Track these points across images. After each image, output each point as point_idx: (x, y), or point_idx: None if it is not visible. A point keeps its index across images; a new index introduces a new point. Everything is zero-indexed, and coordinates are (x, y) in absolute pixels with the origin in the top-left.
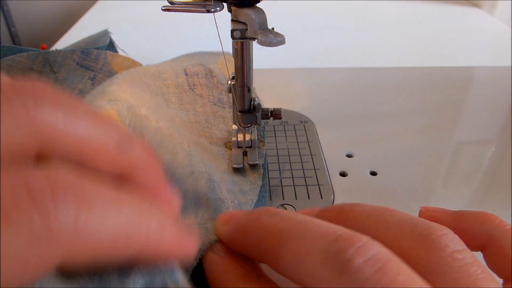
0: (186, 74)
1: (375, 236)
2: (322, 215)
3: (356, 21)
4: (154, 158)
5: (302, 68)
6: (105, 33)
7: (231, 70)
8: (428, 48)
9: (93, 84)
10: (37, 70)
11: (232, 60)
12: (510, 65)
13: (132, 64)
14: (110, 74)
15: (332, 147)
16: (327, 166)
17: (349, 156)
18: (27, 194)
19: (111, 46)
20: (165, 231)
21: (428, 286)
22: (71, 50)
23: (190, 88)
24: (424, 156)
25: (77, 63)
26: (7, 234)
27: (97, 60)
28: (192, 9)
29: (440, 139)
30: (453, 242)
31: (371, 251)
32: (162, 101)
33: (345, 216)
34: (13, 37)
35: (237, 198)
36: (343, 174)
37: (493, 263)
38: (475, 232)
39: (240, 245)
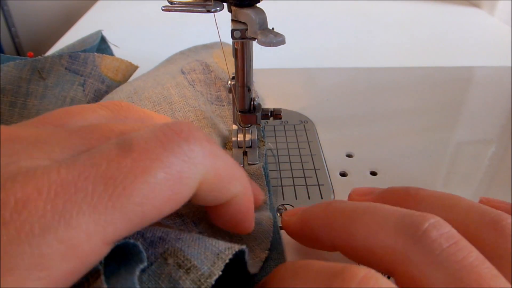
0: (183, 73)
1: (447, 220)
2: (386, 196)
3: (356, 21)
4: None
5: (302, 68)
6: (97, 33)
7: (228, 59)
8: (428, 48)
9: (83, 90)
10: (25, 78)
11: (229, 50)
12: (510, 65)
13: (120, 63)
14: (100, 78)
15: (332, 147)
16: (327, 166)
17: (349, 156)
18: (171, 131)
19: (103, 42)
20: (250, 184)
21: (495, 269)
22: (59, 55)
23: (190, 84)
24: (424, 156)
25: (65, 68)
26: (165, 156)
27: (86, 63)
28: (192, 9)
29: (440, 139)
30: None
31: (446, 227)
32: (166, 105)
33: (411, 198)
34: (13, 37)
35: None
36: (343, 174)
37: None
38: None
39: (309, 230)
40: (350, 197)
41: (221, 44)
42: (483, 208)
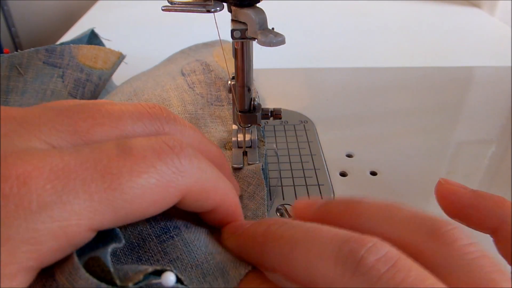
0: (183, 74)
1: (383, 233)
2: (327, 209)
3: (356, 21)
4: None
5: (302, 68)
6: (88, 31)
7: (228, 57)
8: (428, 48)
9: (63, 81)
10: (4, 75)
11: (230, 48)
12: (510, 65)
13: (98, 51)
14: (78, 67)
15: (332, 147)
16: (327, 166)
17: (349, 156)
18: (166, 146)
19: (95, 37)
20: (234, 194)
21: (439, 282)
22: (35, 50)
23: (190, 87)
24: (424, 156)
25: (43, 62)
26: (159, 165)
27: (63, 55)
28: (192, 9)
29: (440, 139)
30: (462, 236)
31: (382, 250)
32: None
33: (351, 212)
34: (13, 37)
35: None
36: (343, 174)
37: (503, 249)
38: (489, 213)
39: (250, 254)
40: (293, 208)
41: (221, 43)
42: (422, 217)
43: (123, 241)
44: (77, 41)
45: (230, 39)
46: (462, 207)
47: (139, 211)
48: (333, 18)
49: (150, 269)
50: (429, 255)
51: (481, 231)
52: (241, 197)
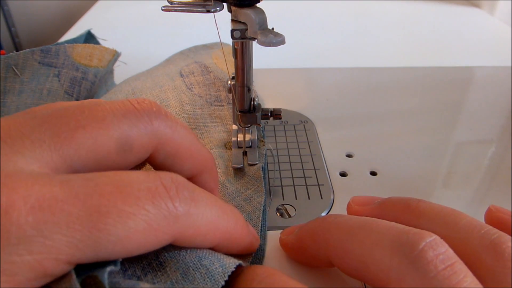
0: (182, 76)
1: (443, 236)
2: (385, 207)
3: (356, 21)
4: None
5: (302, 68)
6: (86, 32)
7: (228, 59)
8: (428, 48)
9: (59, 80)
10: (2, 76)
11: (229, 50)
12: (510, 65)
13: (93, 49)
14: (74, 66)
15: (332, 147)
16: (327, 166)
17: (349, 156)
18: (162, 187)
19: (92, 38)
20: (239, 226)
21: None
22: (31, 50)
23: (188, 88)
24: (424, 156)
25: (39, 62)
26: (151, 209)
27: (58, 55)
28: (192, 9)
29: (440, 139)
30: None
31: (442, 248)
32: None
33: (411, 211)
34: (13, 37)
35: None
36: (343, 174)
37: None
38: None
39: (306, 248)
40: (349, 206)
41: (221, 44)
42: (485, 228)
43: (119, 266)
44: (72, 41)
45: (230, 40)
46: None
47: (122, 252)
48: (333, 18)
49: None
50: (486, 266)
51: None
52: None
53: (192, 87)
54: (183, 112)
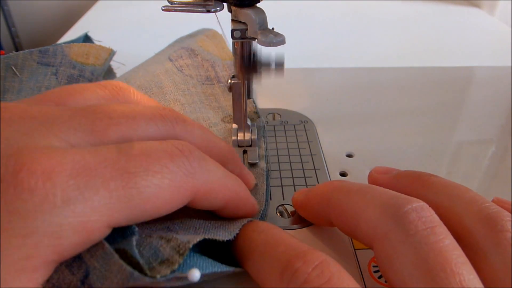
0: (171, 60)
1: (446, 207)
2: (400, 177)
3: (356, 21)
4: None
5: (302, 68)
6: (82, 34)
7: (215, 41)
8: (428, 48)
9: (57, 78)
10: (1, 76)
11: (213, 34)
12: (510, 65)
13: (90, 48)
14: (71, 64)
15: (332, 147)
16: (327, 166)
17: (349, 156)
18: (177, 150)
19: (88, 40)
20: (243, 188)
21: (465, 257)
22: (29, 51)
23: (178, 70)
24: (424, 156)
25: (37, 63)
26: (172, 166)
27: (55, 55)
28: (192, 9)
29: (440, 139)
30: None
31: (427, 212)
32: (157, 90)
33: (422, 183)
34: (13, 37)
35: None
36: (343, 174)
37: None
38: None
39: (312, 206)
40: (370, 174)
41: (223, 33)
42: (486, 203)
43: (137, 234)
44: (69, 42)
45: (231, 39)
46: None
47: (153, 210)
48: (333, 18)
49: (176, 265)
50: (478, 237)
51: None
52: (256, 185)
53: (182, 69)
54: (178, 90)
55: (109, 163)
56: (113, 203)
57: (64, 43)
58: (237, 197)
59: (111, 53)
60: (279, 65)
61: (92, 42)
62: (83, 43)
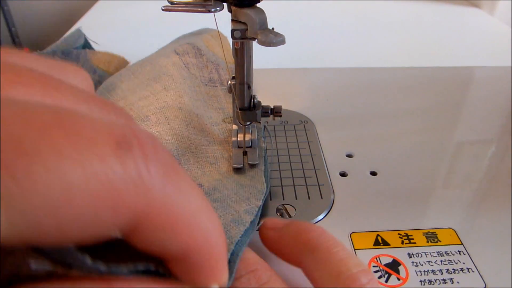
0: (178, 54)
1: (312, 270)
2: (284, 235)
3: (356, 21)
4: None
5: (302, 68)
6: (80, 34)
7: (218, 42)
8: (428, 48)
9: None
10: None
11: (216, 34)
12: (510, 65)
13: (112, 58)
14: (92, 69)
15: (332, 147)
16: (327, 166)
17: (349, 156)
18: (133, 136)
19: (85, 40)
20: (221, 241)
21: None
22: (52, 51)
23: (185, 66)
24: (424, 156)
25: None
26: (113, 162)
27: (78, 58)
28: (192, 9)
29: (440, 139)
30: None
31: (264, 277)
32: (166, 77)
33: (302, 242)
34: (13, 37)
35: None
36: (343, 174)
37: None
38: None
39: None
40: (260, 230)
41: (221, 44)
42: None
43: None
44: (64, 40)
45: (231, 39)
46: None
47: (55, 226)
48: (333, 18)
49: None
50: None
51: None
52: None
53: (188, 67)
54: (185, 83)
55: None
56: None
57: (65, 41)
58: (206, 250)
59: (127, 65)
60: (277, 112)
61: (88, 42)
62: (106, 52)
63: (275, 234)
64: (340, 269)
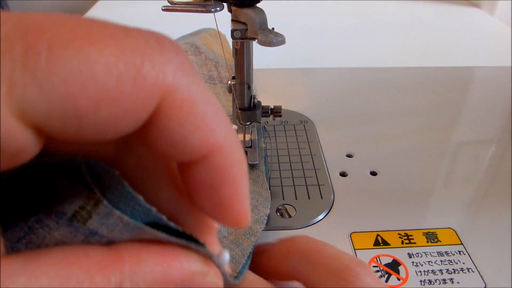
0: None
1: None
2: (279, 247)
3: (356, 21)
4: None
5: (302, 68)
6: None
7: (217, 41)
8: (428, 48)
9: None
10: None
11: (216, 33)
12: (510, 65)
13: None
14: None
15: (332, 147)
16: (327, 166)
17: (349, 156)
18: (154, 40)
19: None
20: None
21: None
22: None
23: None
24: (424, 156)
25: None
26: (144, 44)
27: None
28: (192, 9)
29: (440, 139)
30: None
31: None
32: None
33: (297, 254)
34: None
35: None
36: (343, 174)
37: None
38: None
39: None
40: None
41: (221, 44)
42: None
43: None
44: None
45: (231, 39)
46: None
47: (84, 103)
48: (333, 18)
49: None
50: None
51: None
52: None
53: None
54: None
55: (12, 19)
56: (18, 78)
57: None
58: (229, 151)
59: None
60: (277, 112)
61: None
62: None
63: (265, 257)
64: (337, 264)
